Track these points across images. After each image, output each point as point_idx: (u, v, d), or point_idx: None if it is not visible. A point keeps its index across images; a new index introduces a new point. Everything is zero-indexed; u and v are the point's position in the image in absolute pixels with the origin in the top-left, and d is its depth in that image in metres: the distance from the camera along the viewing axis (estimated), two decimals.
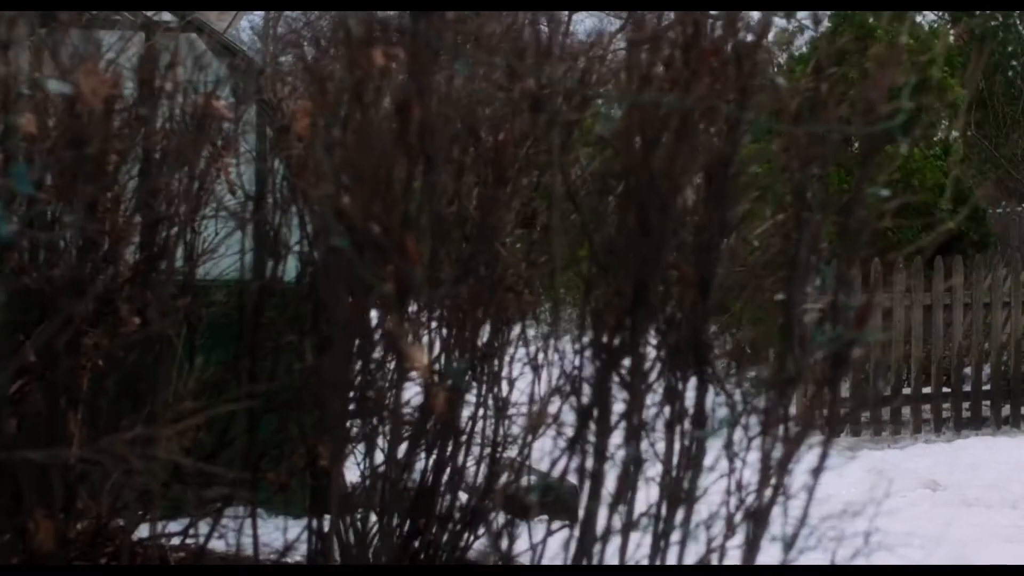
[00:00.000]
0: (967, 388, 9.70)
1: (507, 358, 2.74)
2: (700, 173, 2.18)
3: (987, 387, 9.77)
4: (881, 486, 7.45)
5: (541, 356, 2.70)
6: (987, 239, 11.28)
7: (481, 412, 2.65)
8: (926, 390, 9.66)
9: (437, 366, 2.48)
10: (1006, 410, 9.77)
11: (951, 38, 12.84)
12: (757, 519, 2.38)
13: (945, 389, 9.66)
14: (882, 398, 9.53)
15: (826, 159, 2.10)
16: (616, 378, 2.37)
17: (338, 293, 2.09)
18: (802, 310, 2.19)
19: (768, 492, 2.33)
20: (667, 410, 2.41)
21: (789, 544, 2.20)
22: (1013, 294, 9.74)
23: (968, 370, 9.82)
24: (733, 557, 2.46)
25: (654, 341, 2.44)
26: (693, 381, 2.47)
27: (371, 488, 2.61)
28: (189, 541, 3.37)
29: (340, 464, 2.35)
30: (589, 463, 2.39)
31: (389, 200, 1.93)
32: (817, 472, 2.31)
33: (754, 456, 2.59)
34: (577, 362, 2.41)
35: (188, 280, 3.04)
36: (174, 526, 3.28)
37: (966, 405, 9.71)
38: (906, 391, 9.57)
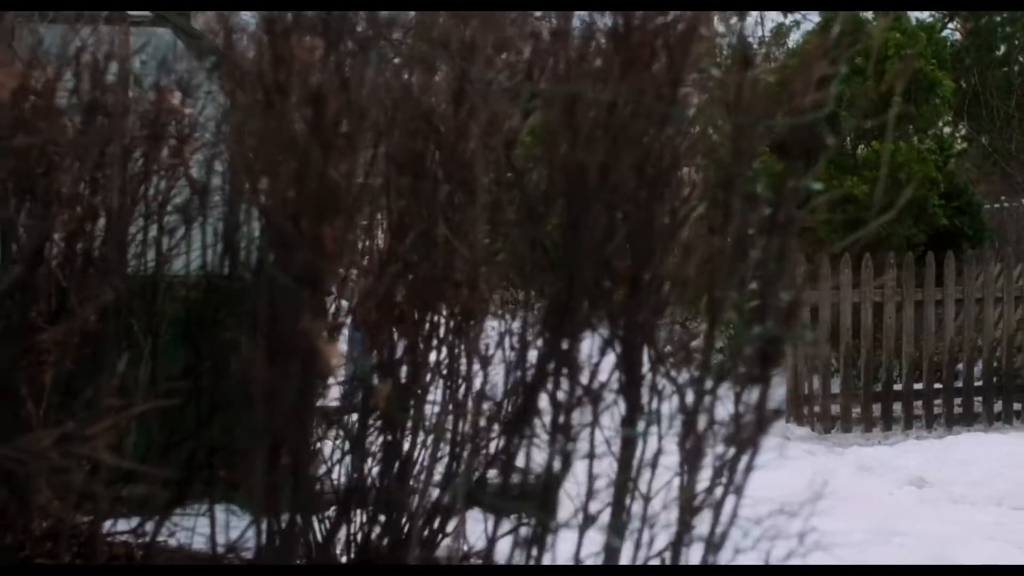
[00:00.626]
0: (959, 384, 9.65)
1: (465, 353, 2.71)
2: (632, 167, 2.14)
3: (979, 383, 9.73)
4: (869, 483, 7.43)
5: (498, 351, 2.67)
6: (982, 234, 11.22)
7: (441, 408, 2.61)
8: (918, 386, 9.61)
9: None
10: (998, 406, 9.73)
11: (945, 32, 12.78)
12: (689, 517, 2.33)
13: (937, 385, 9.61)
14: (873, 394, 9.49)
15: (754, 151, 2.05)
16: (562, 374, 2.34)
17: (270, 289, 2.06)
18: (732, 305, 2.15)
19: (703, 489, 2.29)
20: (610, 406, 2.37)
21: (716, 544, 2.15)
22: (1006, 290, 9.70)
23: (960, 366, 9.78)
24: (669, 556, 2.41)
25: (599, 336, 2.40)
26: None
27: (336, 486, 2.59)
28: (160, 539, 3.34)
29: (306, 462, 2.33)
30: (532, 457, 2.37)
31: (303, 193, 1.91)
32: (746, 472, 2.25)
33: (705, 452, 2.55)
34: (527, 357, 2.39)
35: (155, 276, 3.01)
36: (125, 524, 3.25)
37: (958, 401, 9.66)
38: (897, 387, 9.53)
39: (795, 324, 2.12)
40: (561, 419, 2.28)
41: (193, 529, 3.19)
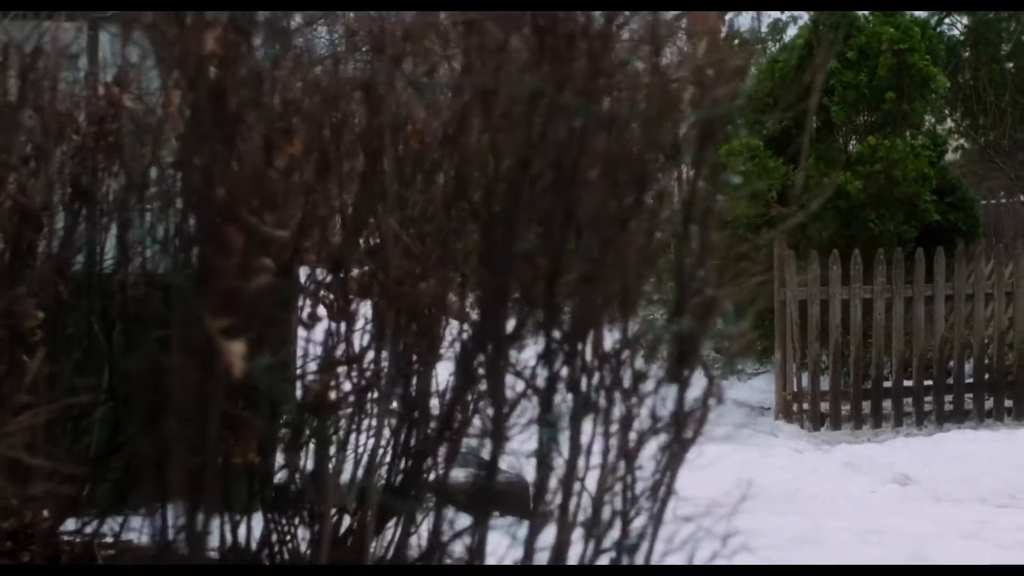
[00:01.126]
0: (950, 381, 9.60)
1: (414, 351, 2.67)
2: (546, 162, 2.10)
3: (970, 380, 9.68)
4: (853, 480, 7.39)
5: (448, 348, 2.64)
6: (976, 230, 11.15)
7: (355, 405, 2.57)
8: (908, 383, 9.56)
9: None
10: (989, 403, 9.67)
11: (943, 28, 12.72)
12: (625, 518, 2.30)
13: (927, 382, 9.56)
14: (862, 392, 9.44)
15: (666, 145, 2.02)
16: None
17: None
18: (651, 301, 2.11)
19: (630, 486, 2.25)
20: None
21: (628, 548, 2.11)
22: (996, 286, 9.64)
23: (951, 363, 9.73)
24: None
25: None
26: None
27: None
28: (131, 538, 3.33)
29: (209, 461, 2.30)
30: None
31: (206, 187, 1.88)
32: (672, 470, 2.21)
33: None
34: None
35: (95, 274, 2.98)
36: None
37: (949, 398, 9.61)
38: (887, 384, 9.48)
39: (711, 321, 2.08)
40: (492, 417, 2.25)
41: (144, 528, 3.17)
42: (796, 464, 7.79)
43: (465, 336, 2.30)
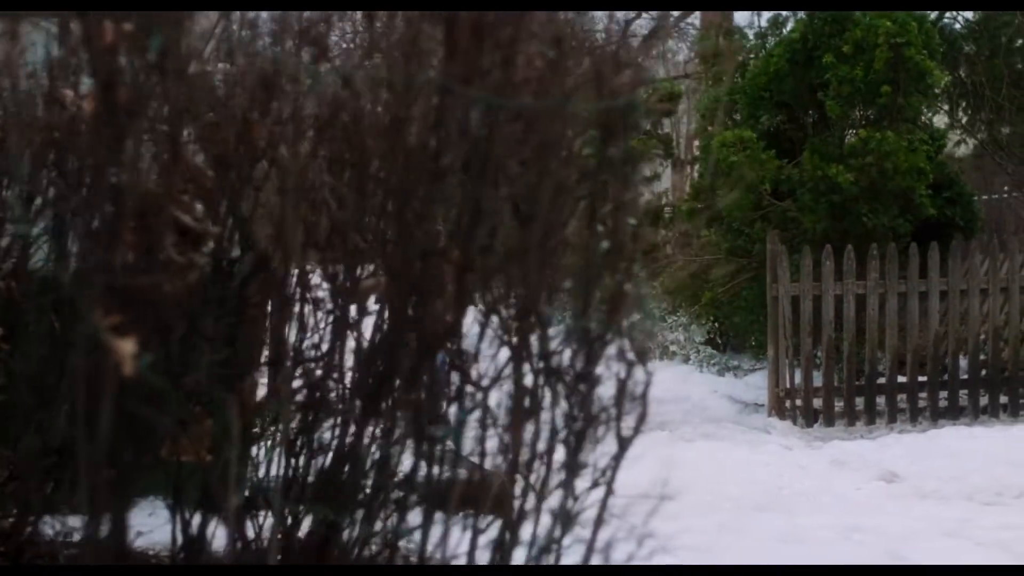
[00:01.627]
0: (944, 377, 9.52)
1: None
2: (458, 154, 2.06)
3: (966, 376, 9.60)
4: (840, 478, 7.33)
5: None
6: (974, 225, 11.07)
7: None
8: (903, 379, 9.49)
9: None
10: (985, 400, 9.60)
11: (945, 21, 12.62)
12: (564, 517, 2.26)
13: (922, 378, 9.49)
14: (856, 388, 9.38)
15: (564, 137, 1.97)
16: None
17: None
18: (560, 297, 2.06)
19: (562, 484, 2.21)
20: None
21: (541, 550, 2.07)
22: (991, 281, 9.56)
23: (947, 359, 9.65)
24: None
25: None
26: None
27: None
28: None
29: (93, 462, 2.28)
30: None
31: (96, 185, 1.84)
32: (576, 469, 2.17)
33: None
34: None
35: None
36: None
37: (944, 395, 9.53)
38: (881, 381, 9.41)
39: (620, 318, 2.04)
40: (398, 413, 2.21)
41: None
42: (784, 461, 7.73)
43: (381, 330, 2.26)
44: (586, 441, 2.07)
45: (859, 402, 9.40)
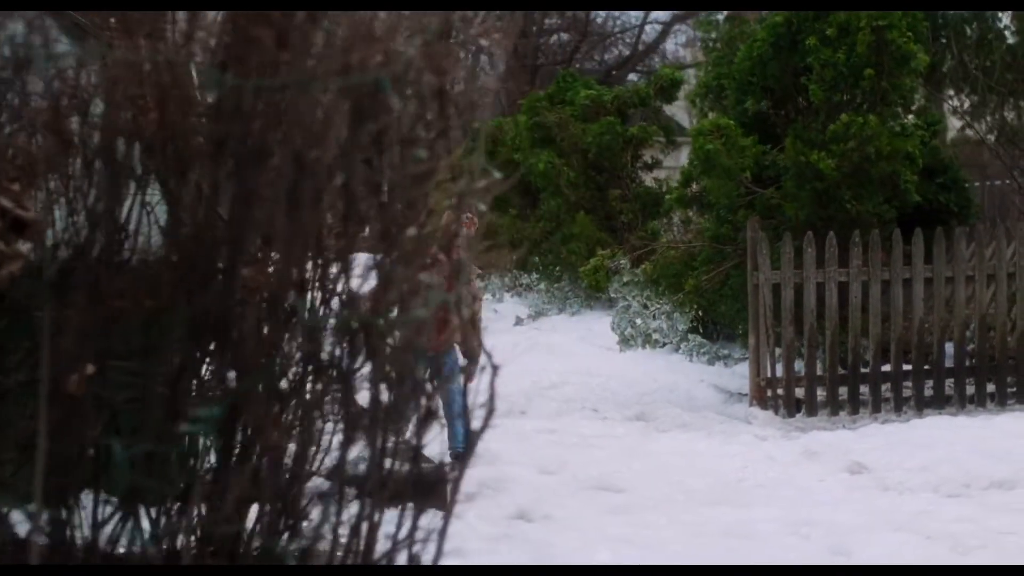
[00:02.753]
0: (929, 366, 9.36)
1: None
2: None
3: (952, 365, 9.43)
4: (807, 469, 7.19)
5: None
6: (968, 211, 10.88)
7: None
8: (887, 368, 9.34)
9: None
10: (972, 389, 9.42)
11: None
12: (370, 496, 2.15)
13: (907, 367, 9.32)
14: (839, 377, 9.22)
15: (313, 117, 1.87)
16: None
17: None
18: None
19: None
20: None
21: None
22: (978, 268, 9.38)
23: (934, 347, 9.48)
24: None
25: None
26: None
27: None
28: None
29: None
30: None
31: None
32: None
33: None
34: None
35: None
36: None
37: (930, 383, 9.37)
38: (865, 370, 9.25)
39: (380, 310, 1.93)
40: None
41: None
42: (754, 452, 7.61)
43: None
44: (354, 435, 1.97)
45: (843, 392, 9.24)
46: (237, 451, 1.99)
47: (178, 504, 2.28)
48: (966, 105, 12.15)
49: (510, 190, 17.42)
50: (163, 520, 2.28)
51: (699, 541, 5.47)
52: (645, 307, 10.05)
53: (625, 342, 10.07)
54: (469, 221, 4.64)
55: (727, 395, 9.81)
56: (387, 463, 2.09)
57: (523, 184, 16.69)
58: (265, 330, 1.95)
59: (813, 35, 9.62)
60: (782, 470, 7.14)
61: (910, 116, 10.84)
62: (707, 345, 10.84)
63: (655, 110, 15.41)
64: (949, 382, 9.43)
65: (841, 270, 9.11)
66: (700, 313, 10.33)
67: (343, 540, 2.01)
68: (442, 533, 2.09)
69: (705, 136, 9.69)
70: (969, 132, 12.10)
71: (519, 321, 14.81)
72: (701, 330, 10.61)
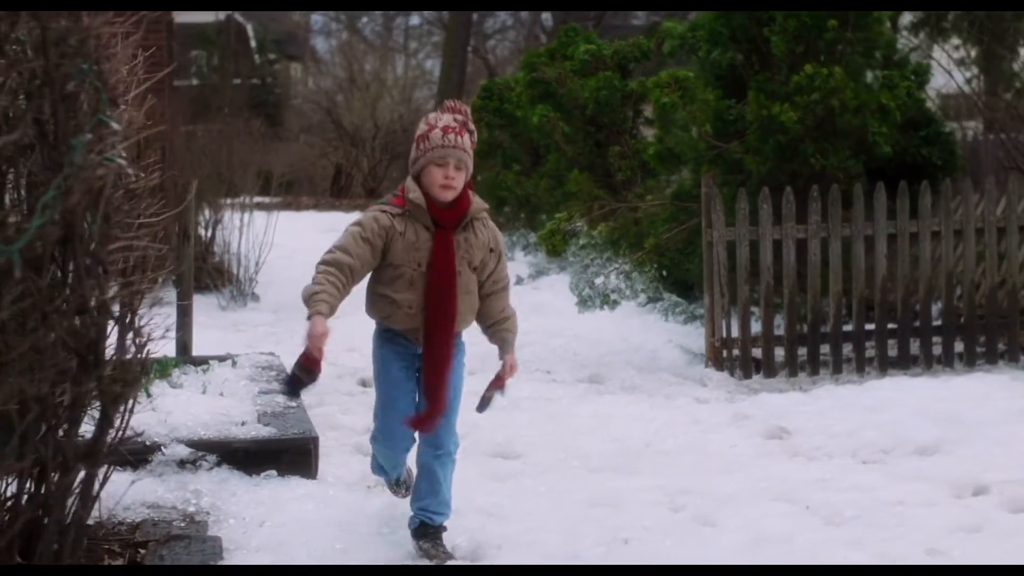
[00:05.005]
0: (893, 325, 9.04)
1: None
2: None
3: (917, 324, 9.11)
4: (727, 434, 6.96)
5: None
6: (953, 165, 10.47)
7: None
8: (850, 328, 9.04)
9: None
10: (938, 349, 9.10)
11: None
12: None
13: (870, 326, 9.02)
14: (799, 337, 8.94)
15: None
16: None
17: None
18: None
19: None
20: None
21: None
22: (944, 224, 9.03)
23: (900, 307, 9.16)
24: None
25: None
26: None
27: None
28: None
29: None
30: None
31: None
32: None
33: None
34: None
35: None
36: None
37: (894, 343, 9.05)
38: (825, 329, 8.96)
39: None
40: None
41: None
42: (680, 416, 7.38)
43: None
44: None
45: (802, 352, 8.96)
46: None
47: None
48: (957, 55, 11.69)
49: (518, 148, 17.30)
50: None
51: (564, 511, 5.29)
52: (604, 267, 9.80)
53: (583, 303, 9.84)
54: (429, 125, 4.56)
55: (692, 356, 9.56)
56: None
57: (530, 142, 16.48)
58: None
59: None
60: (700, 435, 6.92)
61: (892, 68, 10.45)
62: (683, 304, 10.57)
63: (658, 64, 15.03)
64: (914, 341, 9.11)
65: (800, 226, 8.81)
66: (663, 273, 10.06)
67: None
68: None
69: (662, 89, 9.41)
70: (959, 82, 11.62)
71: (519, 280, 14.61)
72: (665, 289, 10.33)
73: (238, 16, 37.24)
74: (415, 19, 38.50)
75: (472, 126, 4.55)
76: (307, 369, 4.29)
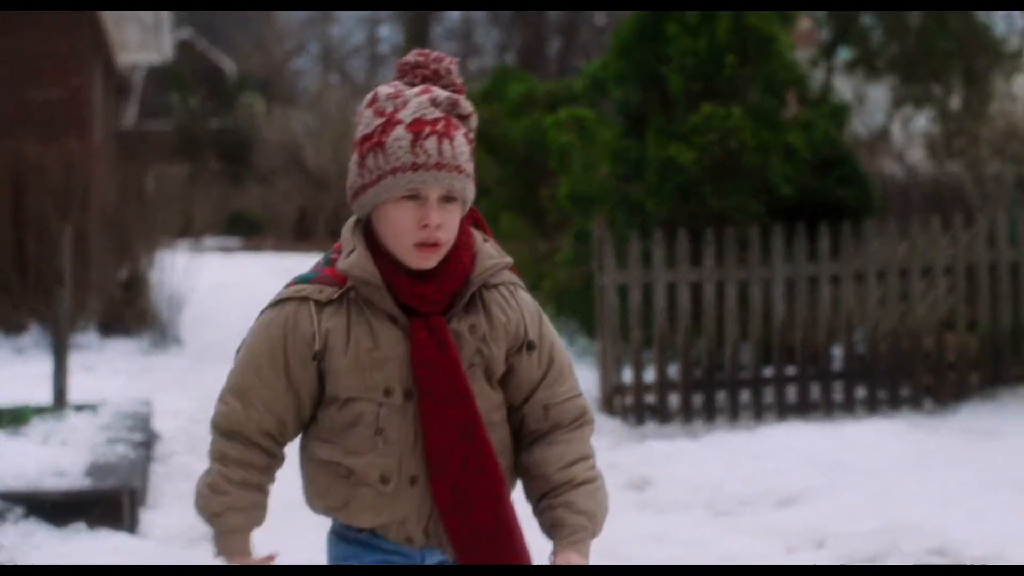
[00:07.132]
0: (790, 371, 8.80)
1: None
2: None
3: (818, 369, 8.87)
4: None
5: None
6: (870, 206, 10.24)
7: None
8: (747, 373, 8.80)
9: None
10: (840, 396, 8.85)
11: None
12: None
13: (768, 373, 8.78)
14: (694, 383, 8.70)
15: None
16: None
17: None
18: None
19: None
20: None
21: None
22: (843, 268, 8.80)
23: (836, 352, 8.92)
24: None
25: None
26: None
27: None
28: None
29: None
30: None
31: None
32: None
33: None
34: None
35: None
36: None
37: (793, 389, 8.81)
38: (721, 376, 8.73)
39: None
40: None
41: None
42: None
43: None
44: None
45: (698, 400, 8.72)
46: None
47: None
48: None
49: None
50: None
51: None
52: None
53: None
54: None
55: (591, 401, 9.31)
56: None
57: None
58: None
59: (675, 21, 9.10)
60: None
61: (809, 105, 10.27)
62: (592, 348, 10.33)
63: (590, 104, 14.87)
64: (814, 387, 8.86)
65: (694, 269, 8.59)
66: (562, 316, 9.83)
67: None
68: None
69: (560, 128, 9.23)
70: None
71: None
72: (573, 333, 10.11)
73: (213, 58, 37.29)
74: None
75: (466, 107, 2.35)
76: None
